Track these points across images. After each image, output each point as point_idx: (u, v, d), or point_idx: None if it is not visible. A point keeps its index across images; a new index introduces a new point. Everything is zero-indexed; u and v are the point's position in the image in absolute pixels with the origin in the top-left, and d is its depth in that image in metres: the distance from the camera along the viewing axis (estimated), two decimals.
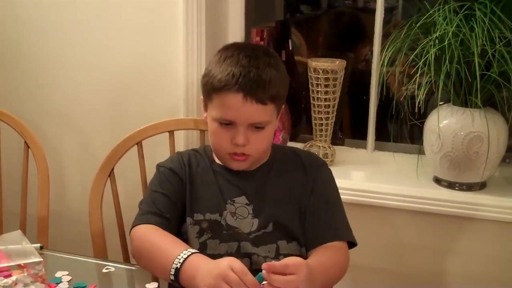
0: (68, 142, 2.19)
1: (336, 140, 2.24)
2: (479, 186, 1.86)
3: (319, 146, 2.04)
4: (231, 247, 1.35)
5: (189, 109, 1.98)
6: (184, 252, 1.21)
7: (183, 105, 1.98)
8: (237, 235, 1.36)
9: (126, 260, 1.61)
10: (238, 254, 1.35)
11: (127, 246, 1.63)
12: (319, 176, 1.44)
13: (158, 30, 1.97)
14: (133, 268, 1.36)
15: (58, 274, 1.28)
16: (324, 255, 1.32)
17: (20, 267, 1.24)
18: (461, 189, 1.86)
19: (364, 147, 2.13)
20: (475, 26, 1.64)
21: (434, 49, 1.67)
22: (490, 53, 1.63)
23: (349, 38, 2.60)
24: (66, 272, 1.28)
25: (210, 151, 1.46)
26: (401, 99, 1.90)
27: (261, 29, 2.00)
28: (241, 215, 1.38)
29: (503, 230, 1.80)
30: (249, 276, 1.10)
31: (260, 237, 1.36)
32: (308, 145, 2.07)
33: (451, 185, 1.88)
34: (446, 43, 1.63)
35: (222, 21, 2.06)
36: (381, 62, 1.81)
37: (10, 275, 1.22)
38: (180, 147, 1.88)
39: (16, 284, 1.21)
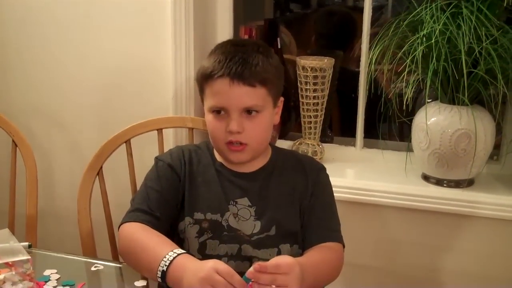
0: (56, 141, 2.18)
1: (325, 138, 2.25)
2: (467, 183, 1.87)
3: (308, 144, 2.04)
4: (232, 248, 1.35)
5: (178, 108, 1.98)
6: (170, 253, 1.20)
7: (172, 104, 1.98)
8: (239, 237, 1.36)
9: (115, 258, 1.61)
10: (239, 256, 1.35)
11: (116, 244, 1.63)
12: (318, 180, 1.45)
13: (146, 29, 1.97)
14: (122, 266, 1.36)
15: (47, 272, 1.28)
16: (317, 254, 1.32)
17: (8, 265, 1.23)
18: (449, 186, 1.87)
19: (353, 144, 2.13)
20: (462, 24, 1.65)
21: (422, 47, 1.67)
22: (477, 51, 1.64)
23: (338, 36, 2.61)
24: (55, 270, 1.28)
25: (212, 148, 1.45)
26: (389, 97, 1.91)
27: (249, 27, 2.00)
28: (243, 216, 1.37)
29: (491, 227, 1.81)
30: (236, 277, 1.10)
31: (262, 240, 1.36)
32: (297, 143, 2.07)
33: (439, 182, 1.89)
34: (433, 41, 1.63)
35: (211, 20, 2.06)
36: (369, 60, 1.81)
37: None
38: (169, 145, 1.87)
39: (4, 282, 1.20)
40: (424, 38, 1.71)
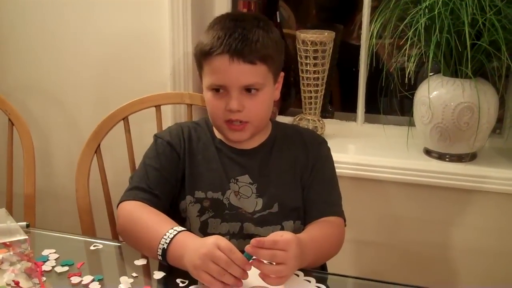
0: (53, 119, 2.15)
1: (326, 113, 2.22)
2: (470, 157, 1.85)
3: (309, 119, 2.01)
4: (234, 227, 1.33)
5: (176, 84, 1.95)
6: (170, 231, 1.18)
7: (170, 80, 1.95)
8: (240, 215, 1.34)
9: (115, 237, 1.59)
10: (241, 234, 1.33)
11: (115, 223, 1.61)
12: (319, 153, 1.42)
13: (143, 4, 1.93)
14: (121, 245, 1.33)
15: (45, 252, 1.25)
16: (318, 229, 1.30)
17: (5, 245, 1.21)
18: (451, 161, 1.85)
19: (354, 119, 2.11)
20: None
21: (424, 19, 1.64)
22: (480, 22, 1.60)
23: (339, 10, 2.57)
24: (53, 250, 1.26)
25: (211, 125, 1.42)
26: (390, 71, 1.88)
27: (248, 1, 1.96)
28: (244, 194, 1.35)
29: (495, 201, 1.80)
30: (237, 253, 1.08)
31: (265, 217, 1.34)
32: (297, 119, 2.04)
33: (441, 157, 1.86)
34: (436, 12, 1.60)
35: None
36: (371, 33, 1.78)
37: None
38: (167, 122, 1.85)
39: (2, 263, 1.18)
40: (427, 10, 1.68)
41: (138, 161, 1.46)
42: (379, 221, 1.93)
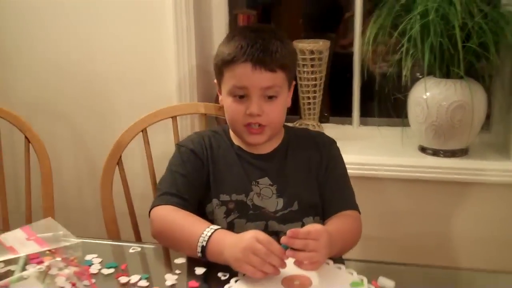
0: (59, 135, 2.21)
1: (321, 118, 2.33)
2: (463, 152, 1.98)
3: (308, 124, 2.12)
4: (259, 226, 1.42)
5: (182, 97, 2.03)
6: (207, 229, 1.27)
7: (176, 92, 2.03)
8: (264, 215, 1.44)
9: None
10: (266, 232, 1.40)
11: (139, 231, 1.70)
12: (331, 153, 1.53)
13: (149, 20, 2.02)
14: (155, 247, 1.41)
15: (88, 257, 1.31)
16: (340, 222, 1.41)
17: (51, 253, 1.28)
18: (445, 156, 1.98)
19: (349, 123, 2.22)
20: (455, 1, 1.74)
21: (418, 24, 1.76)
22: (470, 26, 1.74)
23: (328, 19, 2.69)
24: (95, 255, 1.32)
25: (228, 132, 1.52)
26: (377, 76, 2.01)
27: (247, 15, 2.07)
28: (265, 195, 1.45)
29: (488, 192, 1.93)
30: (275, 245, 1.18)
31: (286, 215, 1.44)
32: (297, 124, 2.15)
33: (436, 153, 1.99)
34: (430, 17, 1.72)
35: (206, 9, 2.12)
36: (366, 40, 1.90)
37: (41, 262, 1.26)
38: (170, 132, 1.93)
39: (50, 269, 1.25)
40: (419, 16, 1.80)
41: (158, 172, 1.53)
42: (381, 217, 2.03)
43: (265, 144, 1.48)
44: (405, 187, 1.99)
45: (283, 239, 1.18)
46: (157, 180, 1.69)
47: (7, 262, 1.25)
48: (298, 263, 1.19)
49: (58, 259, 1.27)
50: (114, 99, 2.12)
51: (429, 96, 1.89)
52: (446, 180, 1.94)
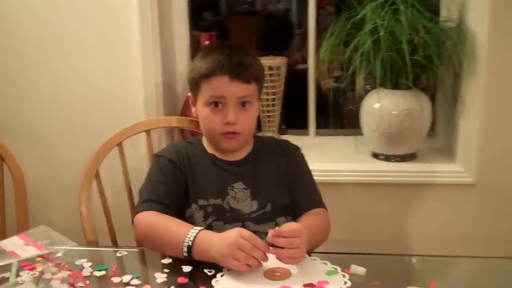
0: (27, 155, 2.25)
1: (279, 130, 2.47)
2: (412, 157, 2.15)
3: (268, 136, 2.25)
4: (235, 227, 1.48)
5: (149, 112, 2.13)
6: (191, 230, 1.37)
7: (143, 108, 2.13)
8: (240, 216, 1.55)
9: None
10: None
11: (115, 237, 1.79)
12: (297, 158, 1.68)
13: (115, 38, 2.11)
14: (138, 250, 1.49)
15: (78, 262, 1.39)
16: (313, 219, 1.54)
17: (43, 258, 1.36)
18: (396, 161, 2.15)
19: (306, 134, 2.37)
20: (401, 19, 1.92)
21: (370, 40, 1.92)
22: (416, 40, 1.91)
23: (280, 38, 2.84)
24: (85, 260, 1.40)
25: (201, 142, 1.65)
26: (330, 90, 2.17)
27: (209, 34, 2.19)
28: (241, 198, 1.57)
29: (437, 191, 2.11)
30: (258, 240, 1.29)
31: (260, 216, 1.57)
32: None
33: (387, 158, 2.16)
34: (381, 33, 1.89)
35: (168, 27, 2.23)
36: (322, 57, 2.04)
37: (34, 268, 1.34)
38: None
39: (43, 274, 1.32)
40: (369, 33, 1.96)
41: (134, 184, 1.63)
42: (339, 219, 2.16)
43: (238, 151, 1.61)
44: (361, 191, 2.14)
45: (268, 238, 1.30)
46: (134, 192, 1.80)
47: (2, 269, 1.33)
48: (281, 258, 1.31)
49: (51, 264, 1.36)
50: (83, 118, 2.18)
51: (380, 106, 2.05)
52: (398, 183, 2.10)
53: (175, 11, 2.24)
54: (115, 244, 1.79)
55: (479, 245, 2.03)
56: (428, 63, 1.96)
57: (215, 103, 1.53)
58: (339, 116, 2.26)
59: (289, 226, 1.32)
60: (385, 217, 2.15)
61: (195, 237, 1.36)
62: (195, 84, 1.57)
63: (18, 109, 2.23)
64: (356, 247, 2.12)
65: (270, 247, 1.30)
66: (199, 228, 1.39)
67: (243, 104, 1.54)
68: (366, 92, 2.16)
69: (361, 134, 2.28)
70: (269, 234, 1.30)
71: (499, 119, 2.00)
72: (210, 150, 1.63)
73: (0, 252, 1.29)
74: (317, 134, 2.37)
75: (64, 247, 1.31)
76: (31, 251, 1.28)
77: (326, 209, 1.63)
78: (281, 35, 2.86)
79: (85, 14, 2.10)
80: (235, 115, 1.52)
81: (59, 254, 1.38)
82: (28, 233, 1.36)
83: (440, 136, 2.27)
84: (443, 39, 1.96)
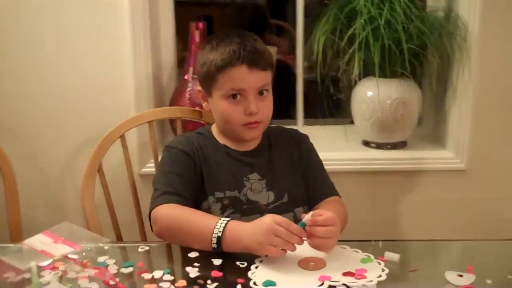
0: (9, 152, 2.15)
1: None
2: (402, 145, 2.18)
3: None
4: (254, 219, 1.45)
5: (140, 106, 2.06)
6: (219, 221, 1.34)
7: (133, 102, 2.06)
8: (258, 208, 1.53)
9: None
10: None
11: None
12: (308, 147, 1.68)
13: (104, 27, 2.03)
14: (161, 244, 1.46)
15: (100, 259, 1.34)
16: (334, 207, 1.54)
17: (65, 258, 1.31)
18: (387, 149, 2.17)
19: (294, 124, 2.36)
20: (396, 8, 1.94)
21: (367, 30, 1.93)
22: (411, 29, 1.93)
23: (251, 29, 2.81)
24: (107, 256, 1.35)
25: (211, 133, 1.61)
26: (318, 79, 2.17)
27: (200, 23, 2.14)
28: (257, 189, 1.55)
29: (428, 178, 2.15)
30: (294, 225, 1.28)
31: (278, 207, 1.55)
32: None
33: (379, 146, 2.18)
34: (382, 22, 1.90)
35: (154, 17, 2.17)
36: (317, 50, 2.03)
37: (55, 267, 1.28)
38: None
39: (66, 273, 1.27)
40: (363, 21, 1.97)
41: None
42: None
43: (249, 141, 1.59)
44: (354, 179, 2.16)
45: (307, 227, 1.28)
46: (136, 186, 1.75)
47: (19, 271, 1.27)
48: (315, 246, 1.31)
49: (73, 262, 1.31)
50: (71, 113, 2.10)
51: (373, 94, 2.07)
52: (391, 170, 2.13)
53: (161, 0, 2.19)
54: (120, 239, 1.74)
55: (471, 230, 2.08)
56: (421, 51, 1.99)
57: (233, 95, 1.50)
58: (329, 105, 2.25)
59: (325, 215, 1.31)
60: (378, 204, 2.17)
61: (224, 227, 1.33)
62: (209, 77, 1.53)
63: (2, 105, 2.12)
64: (350, 235, 2.17)
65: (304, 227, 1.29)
66: (227, 218, 1.36)
67: (261, 92, 1.52)
68: (355, 81, 2.16)
69: (348, 123, 2.30)
70: (304, 220, 1.29)
71: (490, 106, 2.06)
72: (221, 140, 1.60)
73: (31, 252, 1.22)
74: (305, 124, 2.37)
75: (97, 243, 1.25)
76: (63, 249, 1.22)
77: (340, 196, 1.63)
78: (261, 25, 2.83)
79: (73, 5, 2.02)
80: (256, 104, 1.50)
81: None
82: (53, 230, 1.30)
83: (427, 124, 2.31)
84: (437, 27, 1.99)
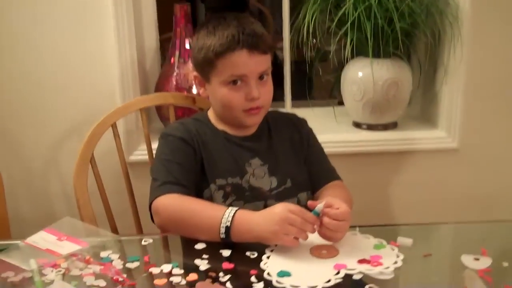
0: None
1: None
2: (393, 125, 2.16)
3: None
4: (257, 206, 1.46)
5: (126, 93, 1.99)
6: (227, 211, 1.29)
7: (118, 89, 1.99)
8: (261, 194, 1.49)
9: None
10: None
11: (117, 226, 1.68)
12: (308, 130, 1.64)
13: (87, 14, 1.95)
14: (158, 237, 1.41)
15: (103, 254, 1.28)
16: (340, 192, 1.51)
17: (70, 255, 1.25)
18: (378, 130, 2.15)
19: (282, 106, 2.32)
20: None
21: (359, 10, 1.89)
22: (403, 7, 1.90)
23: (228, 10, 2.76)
24: (110, 251, 1.29)
25: (208, 119, 1.56)
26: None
27: (185, 5, 2.07)
28: (259, 175, 1.50)
29: (420, 159, 2.13)
30: (308, 213, 1.25)
31: (282, 193, 1.51)
32: None
33: (370, 127, 2.15)
34: (376, 2, 1.86)
35: (137, 4, 2.09)
36: (305, 31, 1.98)
37: (56, 265, 1.22)
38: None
39: (69, 271, 1.21)
40: (352, 1, 1.93)
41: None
42: None
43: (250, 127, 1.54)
44: (345, 161, 2.09)
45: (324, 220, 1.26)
46: (130, 175, 1.69)
47: (20, 270, 1.21)
48: (325, 238, 1.28)
49: (75, 259, 1.25)
50: (53, 99, 2.01)
51: (364, 74, 2.04)
52: (383, 151, 2.11)
53: None
54: (115, 231, 1.68)
55: (464, 209, 2.08)
56: (413, 30, 1.96)
57: (234, 81, 1.45)
58: (316, 87, 2.23)
59: (341, 209, 1.28)
60: (371, 186, 2.15)
61: (233, 217, 1.29)
62: (207, 63, 1.47)
63: None
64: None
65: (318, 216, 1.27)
66: (234, 208, 1.32)
67: (261, 77, 1.47)
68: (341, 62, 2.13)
69: (336, 104, 2.27)
70: (316, 208, 1.27)
71: (482, 84, 2.04)
72: (220, 126, 1.55)
73: (35, 251, 1.16)
74: (293, 106, 2.32)
75: (105, 238, 1.19)
76: (69, 247, 1.16)
77: (342, 180, 1.60)
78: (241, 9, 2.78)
79: None
80: (258, 89, 1.45)
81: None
82: (55, 226, 1.23)
83: (416, 104, 2.30)
84: (427, 5, 1.96)
